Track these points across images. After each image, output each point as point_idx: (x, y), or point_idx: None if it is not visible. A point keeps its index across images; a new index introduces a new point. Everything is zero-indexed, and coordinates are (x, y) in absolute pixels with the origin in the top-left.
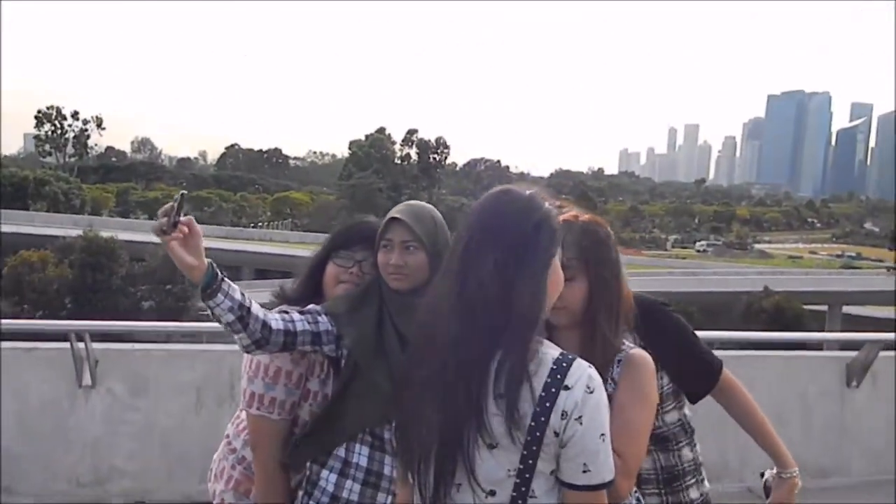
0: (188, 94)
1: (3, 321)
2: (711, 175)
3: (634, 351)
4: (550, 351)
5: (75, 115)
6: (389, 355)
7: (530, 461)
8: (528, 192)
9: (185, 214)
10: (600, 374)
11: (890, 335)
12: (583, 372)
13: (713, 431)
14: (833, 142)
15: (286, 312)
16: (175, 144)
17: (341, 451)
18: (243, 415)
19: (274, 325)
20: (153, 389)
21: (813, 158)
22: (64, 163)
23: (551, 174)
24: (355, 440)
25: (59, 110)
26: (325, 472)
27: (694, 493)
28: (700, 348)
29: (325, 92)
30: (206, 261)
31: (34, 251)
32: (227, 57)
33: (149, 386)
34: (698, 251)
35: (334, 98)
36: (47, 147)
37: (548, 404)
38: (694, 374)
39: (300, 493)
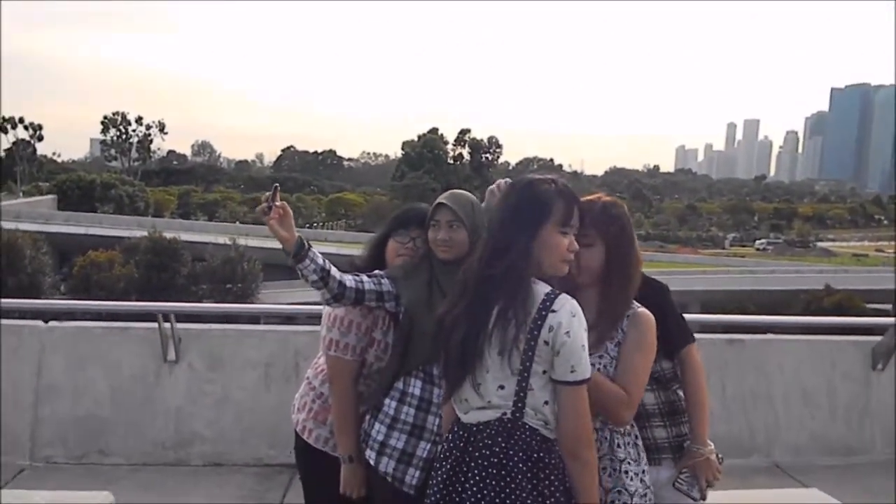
0: (246, 97)
1: (102, 303)
2: (772, 171)
3: (640, 310)
4: (542, 289)
5: (139, 120)
6: (435, 310)
7: (528, 363)
8: (538, 176)
9: (278, 202)
10: (613, 326)
11: None
12: (566, 301)
13: (742, 410)
14: None
15: (357, 275)
16: (233, 147)
17: (400, 384)
18: (321, 360)
19: (348, 283)
20: (228, 365)
21: (879, 153)
22: (128, 166)
23: (605, 172)
24: (411, 375)
25: (123, 116)
26: (387, 401)
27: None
28: (679, 316)
29: (379, 93)
30: (297, 234)
31: (102, 251)
32: (278, 61)
33: (224, 362)
34: (758, 249)
35: (388, 99)
36: (112, 151)
37: (539, 322)
38: (670, 333)
39: (367, 417)
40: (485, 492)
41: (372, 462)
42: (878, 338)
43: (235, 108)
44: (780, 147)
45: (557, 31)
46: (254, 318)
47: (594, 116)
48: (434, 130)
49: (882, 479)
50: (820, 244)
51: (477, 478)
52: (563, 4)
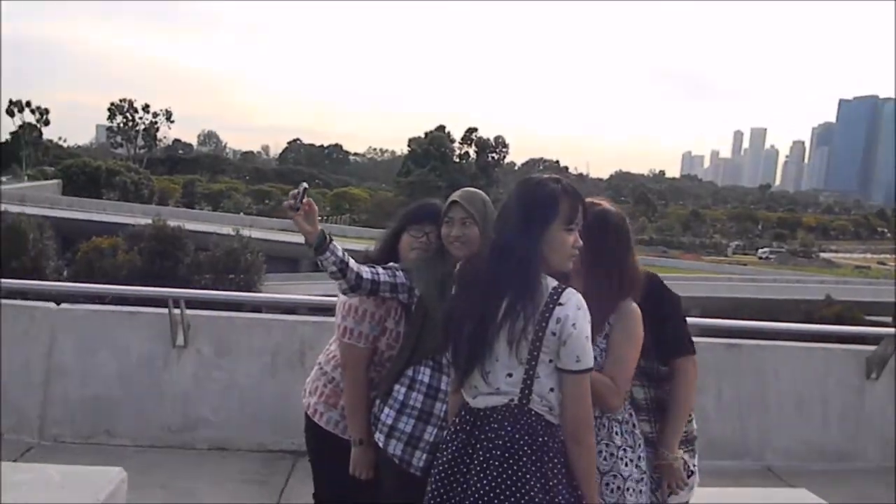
0: (254, 89)
1: (116, 287)
2: (778, 181)
3: (626, 303)
4: (550, 283)
5: (146, 108)
6: (447, 302)
7: (535, 353)
8: (545, 176)
9: (304, 200)
10: (600, 320)
11: None
12: (572, 295)
13: (738, 413)
14: None
15: (373, 268)
16: (239, 138)
17: (410, 372)
18: (332, 347)
19: (365, 274)
20: (235, 352)
21: (886, 165)
22: (134, 154)
23: (611, 176)
24: (421, 364)
25: (130, 103)
26: (397, 387)
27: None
28: (682, 325)
29: (387, 89)
30: (319, 227)
31: (105, 238)
32: (288, 54)
33: (231, 349)
34: (760, 258)
35: (396, 96)
36: (118, 138)
37: (547, 315)
38: (669, 340)
39: (377, 402)
40: (490, 472)
41: (381, 444)
42: (873, 347)
43: (243, 99)
44: (787, 156)
45: (568, 32)
46: (257, 308)
47: (601, 119)
48: (441, 128)
49: (873, 486)
50: (823, 255)
51: (482, 458)
52: (572, 5)
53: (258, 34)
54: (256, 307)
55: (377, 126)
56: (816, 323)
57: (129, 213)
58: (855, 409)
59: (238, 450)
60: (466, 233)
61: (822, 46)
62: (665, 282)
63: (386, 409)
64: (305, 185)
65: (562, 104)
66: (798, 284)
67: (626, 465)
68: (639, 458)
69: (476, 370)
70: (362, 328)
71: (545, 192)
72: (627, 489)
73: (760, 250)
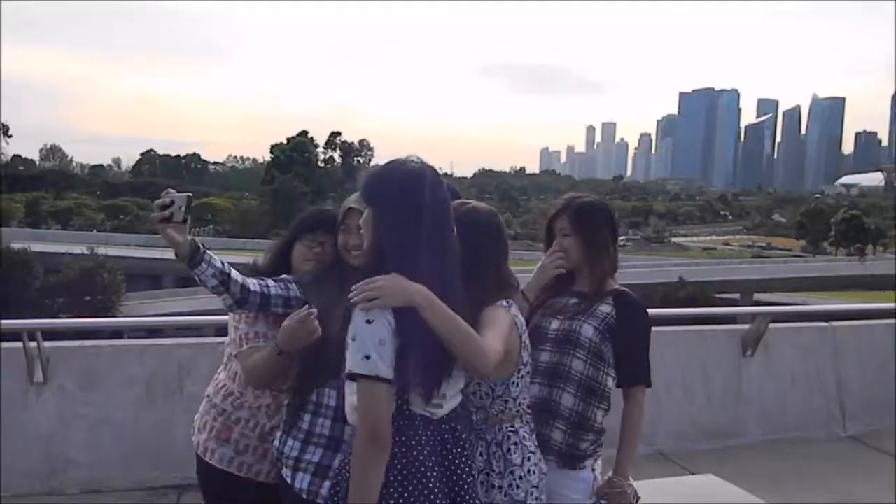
0: (102, 98)
1: None
2: (629, 172)
3: (493, 308)
4: None
5: None
6: (346, 317)
7: None
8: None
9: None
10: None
11: (777, 308)
12: None
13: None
14: (742, 137)
15: (262, 280)
16: (87, 152)
17: (313, 396)
18: (221, 376)
19: (252, 287)
20: (104, 384)
21: (724, 153)
22: None
23: (475, 174)
24: (325, 385)
25: None
26: (301, 414)
27: (586, 447)
28: (645, 353)
29: (246, 95)
30: (189, 237)
31: None
32: (135, 59)
33: (99, 380)
34: (619, 245)
35: (257, 102)
36: None
37: None
38: (630, 367)
39: (278, 433)
40: (478, 469)
41: (288, 480)
42: (746, 326)
43: (89, 109)
44: (636, 148)
45: (431, 29)
46: (117, 333)
47: (462, 117)
48: (304, 133)
49: (757, 460)
50: (674, 239)
51: (470, 461)
52: (423, 4)
53: (101, 35)
54: (119, 333)
55: (236, 133)
56: (676, 304)
57: None
58: (734, 386)
59: (115, 490)
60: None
61: (663, 42)
62: (630, 299)
63: (290, 441)
64: (190, 194)
65: (423, 104)
66: (654, 269)
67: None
68: (510, 485)
69: (444, 381)
70: (258, 328)
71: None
72: None
73: (621, 238)
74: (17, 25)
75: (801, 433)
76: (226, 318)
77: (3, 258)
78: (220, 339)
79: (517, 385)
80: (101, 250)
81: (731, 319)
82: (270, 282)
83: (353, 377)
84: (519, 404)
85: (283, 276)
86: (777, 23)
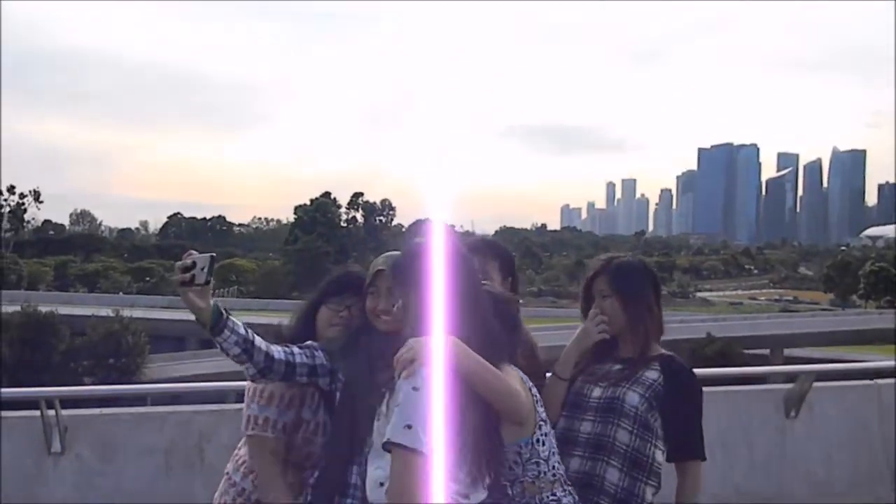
0: (130, 163)
1: None
2: (650, 227)
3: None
4: None
5: (11, 189)
6: (378, 388)
7: None
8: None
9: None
10: None
11: (820, 366)
12: None
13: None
14: (764, 191)
15: (287, 347)
16: (116, 216)
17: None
18: (241, 451)
19: (276, 355)
20: (121, 453)
21: (745, 207)
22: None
23: (496, 231)
24: (353, 463)
25: None
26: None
27: None
28: (699, 425)
29: (272, 159)
30: (213, 302)
31: None
32: (159, 127)
33: (117, 450)
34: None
35: (280, 164)
36: None
37: None
38: (682, 439)
39: None
40: None
41: None
42: (786, 385)
43: (116, 175)
44: (657, 204)
45: (451, 92)
46: (140, 399)
47: (483, 175)
48: (327, 194)
49: None
50: (699, 294)
51: None
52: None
53: (132, 103)
54: (140, 398)
55: (260, 196)
56: (700, 360)
57: None
58: (778, 449)
59: None
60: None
61: (681, 98)
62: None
63: None
64: (213, 255)
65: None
66: (680, 324)
67: None
68: None
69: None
70: (269, 414)
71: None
72: None
73: None
74: (48, 93)
75: (849, 498)
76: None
77: (32, 322)
78: (239, 406)
79: (543, 444)
80: (127, 312)
81: (762, 379)
82: (296, 349)
83: (390, 446)
84: (553, 467)
85: (309, 342)
86: (795, 76)
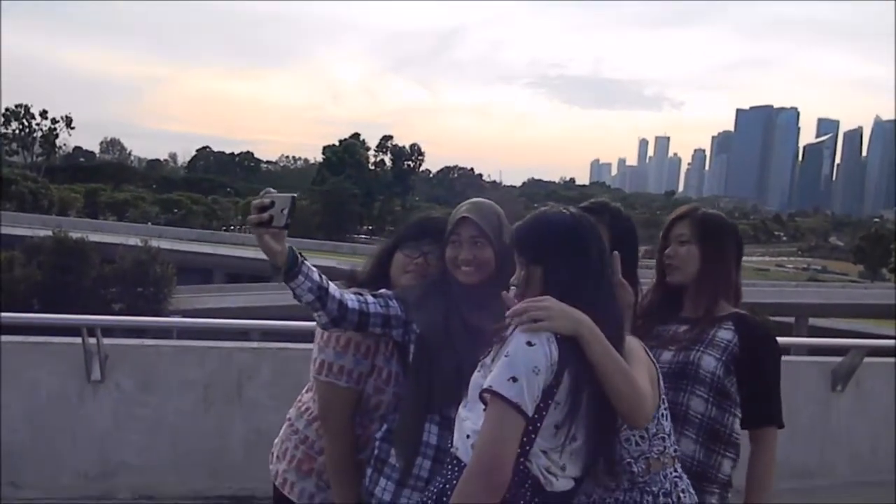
0: (160, 95)
1: (11, 314)
2: (681, 187)
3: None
4: None
5: (44, 113)
6: (456, 342)
7: None
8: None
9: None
10: None
11: (873, 341)
12: None
13: None
14: (800, 157)
15: (360, 294)
16: (145, 146)
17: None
18: (305, 396)
19: (350, 304)
20: (162, 386)
21: (780, 173)
22: (31, 162)
23: (523, 183)
24: (425, 420)
25: (27, 108)
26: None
27: (713, 501)
28: (777, 392)
29: (298, 95)
30: (287, 245)
31: (2, 251)
32: (195, 59)
33: (157, 382)
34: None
35: (312, 104)
36: (14, 146)
37: None
38: (760, 405)
39: (369, 469)
40: None
41: None
42: (838, 358)
43: (148, 106)
44: (689, 164)
45: (487, 41)
46: (166, 332)
47: (514, 126)
48: (356, 136)
49: (844, 502)
50: None
51: None
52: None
53: (165, 35)
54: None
55: (290, 134)
56: None
57: (26, 225)
58: (822, 423)
59: (168, 498)
60: (478, 255)
61: (722, 59)
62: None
63: (382, 481)
64: (294, 195)
65: (475, 113)
66: None
67: None
68: None
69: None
70: (344, 362)
71: None
72: None
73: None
74: (83, 21)
75: (892, 475)
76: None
77: (63, 248)
78: (280, 345)
79: (666, 418)
80: (155, 243)
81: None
82: (370, 297)
83: (488, 394)
84: (674, 442)
85: (384, 290)
86: (840, 42)
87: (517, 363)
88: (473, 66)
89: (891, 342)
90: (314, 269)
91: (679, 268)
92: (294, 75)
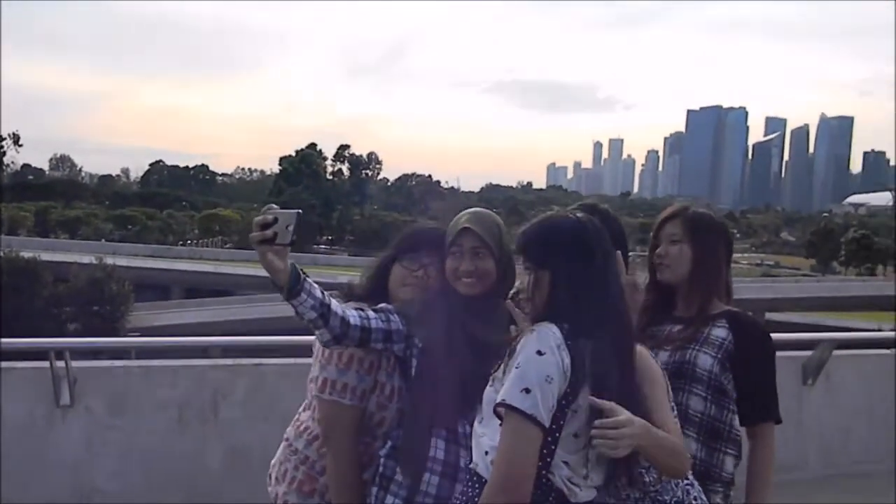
0: (111, 109)
1: None
2: (636, 188)
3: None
4: None
5: None
6: (459, 355)
7: None
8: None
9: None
10: None
11: (841, 335)
12: None
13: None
14: (750, 155)
15: (361, 309)
16: (96, 162)
17: None
18: (303, 415)
19: (352, 321)
20: (133, 407)
21: (731, 171)
22: None
23: (482, 189)
24: (432, 435)
25: None
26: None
27: (717, 500)
28: (773, 387)
29: (253, 107)
30: (290, 263)
31: None
32: (145, 70)
33: (129, 404)
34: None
35: (267, 115)
36: None
37: None
38: (757, 402)
39: (374, 488)
40: None
41: None
42: (808, 353)
43: (99, 120)
44: (643, 165)
45: (442, 48)
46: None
47: (470, 132)
48: (313, 146)
49: (817, 495)
50: None
51: None
52: (426, 19)
53: (114, 47)
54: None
55: (245, 146)
56: None
57: None
58: (794, 417)
59: None
60: (479, 266)
61: (671, 60)
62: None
63: (388, 499)
64: (299, 211)
65: (432, 120)
66: None
67: None
68: None
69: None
70: (348, 379)
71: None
72: None
73: (630, 254)
74: (30, 37)
75: (865, 468)
76: (249, 339)
77: (14, 268)
78: (256, 361)
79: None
80: (110, 260)
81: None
82: (371, 312)
83: (503, 408)
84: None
85: (384, 304)
86: (788, 42)
87: (529, 374)
88: (429, 73)
89: (858, 334)
90: (316, 285)
91: (671, 267)
92: (248, 87)
